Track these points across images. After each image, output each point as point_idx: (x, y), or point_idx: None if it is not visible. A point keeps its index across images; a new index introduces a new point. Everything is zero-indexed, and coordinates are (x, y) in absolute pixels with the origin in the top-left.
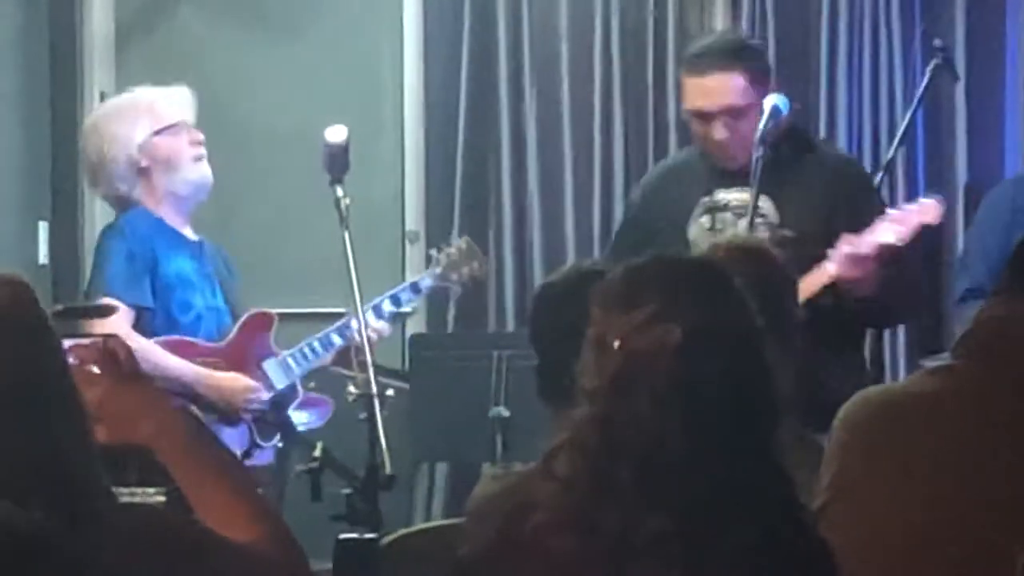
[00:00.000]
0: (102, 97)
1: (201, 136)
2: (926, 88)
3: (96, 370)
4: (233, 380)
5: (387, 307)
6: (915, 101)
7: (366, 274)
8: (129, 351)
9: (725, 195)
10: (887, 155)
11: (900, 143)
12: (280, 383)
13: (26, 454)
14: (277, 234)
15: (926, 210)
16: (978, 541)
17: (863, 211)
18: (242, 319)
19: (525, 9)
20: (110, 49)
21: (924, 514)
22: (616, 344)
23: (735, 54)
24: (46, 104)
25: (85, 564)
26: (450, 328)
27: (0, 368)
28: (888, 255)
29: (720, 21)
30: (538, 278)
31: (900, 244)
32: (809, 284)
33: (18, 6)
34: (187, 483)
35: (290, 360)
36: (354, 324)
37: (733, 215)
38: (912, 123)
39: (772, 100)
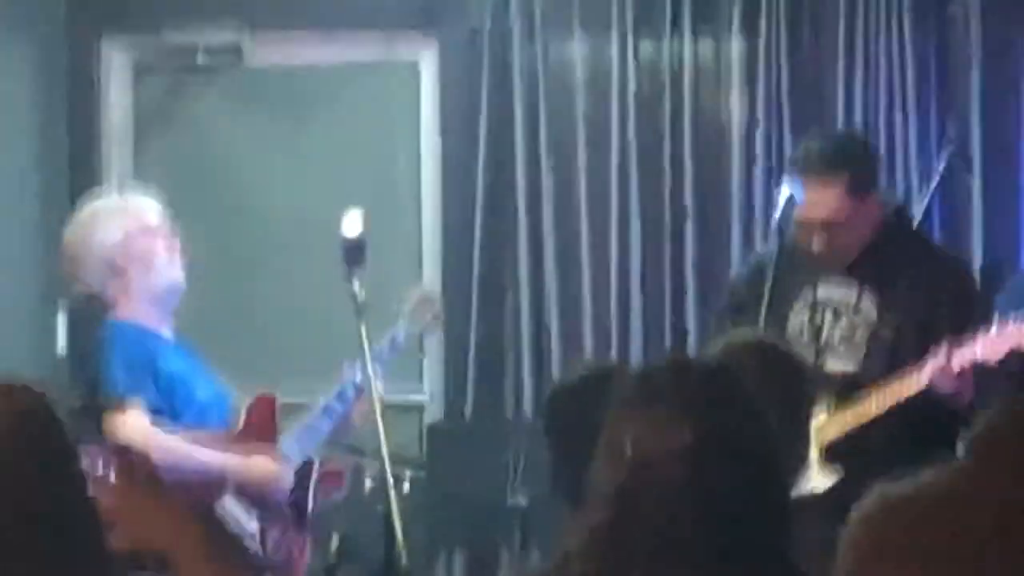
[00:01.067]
0: (120, 186)
1: (177, 242)
2: (941, 178)
3: (112, 478)
4: (261, 462)
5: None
6: (930, 191)
7: (385, 362)
8: (145, 457)
9: (826, 290)
10: None
11: (922, 222)
12: (297, 458)
13: (41, 568)
14: (292, 326)
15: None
16: None
17: (963, 320)
18: (248, 403)
19: (542, 92)
20: (128, 136)
21: None
22: (628, 448)
23: (837, 161)
24: (64, 191)
25: None
26: (467, 417)
27: (19, 490)
28: (980, 371)
29: (736, 104)
30: (556, 364)
31: (991, 363)
32: (900, 390)
33: (37, 92)
34: None
35: (301, 435)
36: (349, 392)
37: (833, 312)
38: (927, 214)
39: (787, 190)
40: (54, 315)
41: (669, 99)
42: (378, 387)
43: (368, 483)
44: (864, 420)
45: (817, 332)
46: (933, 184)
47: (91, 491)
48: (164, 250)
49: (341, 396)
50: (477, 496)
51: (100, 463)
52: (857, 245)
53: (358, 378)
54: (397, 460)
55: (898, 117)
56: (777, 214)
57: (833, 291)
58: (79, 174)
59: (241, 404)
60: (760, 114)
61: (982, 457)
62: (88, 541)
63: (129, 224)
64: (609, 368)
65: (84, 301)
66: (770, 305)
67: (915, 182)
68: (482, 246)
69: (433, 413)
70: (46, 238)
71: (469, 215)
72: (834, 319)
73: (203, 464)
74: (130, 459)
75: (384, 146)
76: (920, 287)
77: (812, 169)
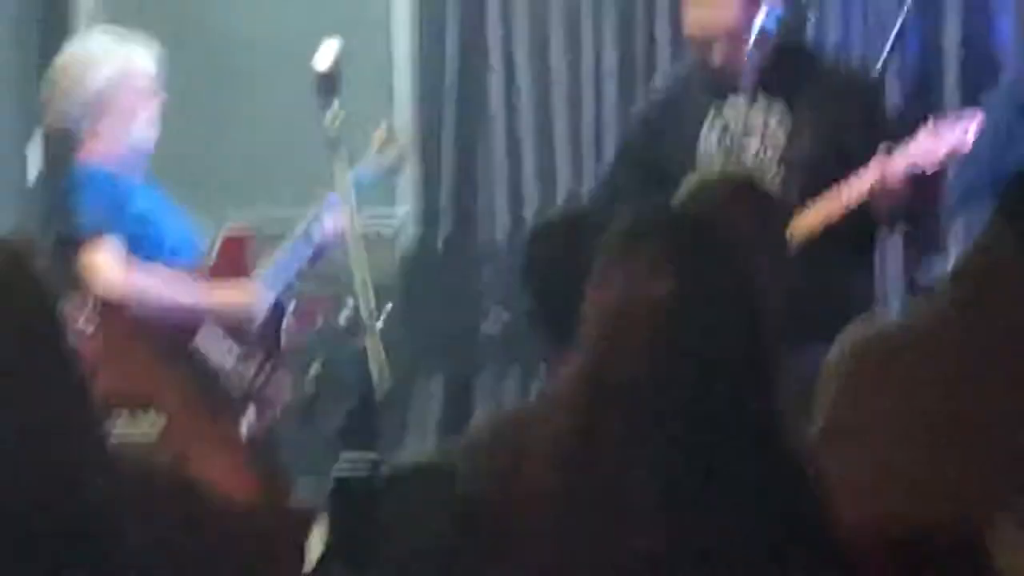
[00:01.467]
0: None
1: (159, 101)
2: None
3: (90, 329)
4: (237, 292)
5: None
6: (903, 13)
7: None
8: (121, 304)
9: (732, 111)
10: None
11: (890, 53)
12: (275, 290)
13: (27, 428)
14: (263, 145)
15: (964, 131)
16: (971, 478)
17: (876, 128)
18: (219, 239)
19: None
20: None
21: (922, 450)
22: (610, 297)
23: None
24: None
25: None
26: (441, 246)
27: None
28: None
29: None
30: (531, 187)
31: (935, 167)
32: (835, 205)
33: None
34: (188, 438)
35: (276, 267)
36: (316, 220)
37: (742, 131)
38: (902, 30)
39: (763, 11)
40: (25, 144)
41: None
42: (349, 217)
43: (344, 315)
44: (804, 235)
45: (728, 153)
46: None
47: (71, 342)
48: (146, 107)
49: (311, 231)
50: (452, 323)
51: (78, 314)
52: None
53: (329, 210)
54: (372, 289)
55: None
56: (753, 33)
57: (740, 110)
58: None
59: (213, 242)
60: None
61: (966, 289)
62: (72, 391)
63: (121, 71)
64: (587, 210)
65: (57, 134)
66: (676, 133)
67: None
68: (457, 62)
69: (407, 241)
70: (17, 59)
71: (442, 42)
72: (744, 138)
73: (178, 298)
74: (107, 307)
75: None
76: (828, 102)
77: None
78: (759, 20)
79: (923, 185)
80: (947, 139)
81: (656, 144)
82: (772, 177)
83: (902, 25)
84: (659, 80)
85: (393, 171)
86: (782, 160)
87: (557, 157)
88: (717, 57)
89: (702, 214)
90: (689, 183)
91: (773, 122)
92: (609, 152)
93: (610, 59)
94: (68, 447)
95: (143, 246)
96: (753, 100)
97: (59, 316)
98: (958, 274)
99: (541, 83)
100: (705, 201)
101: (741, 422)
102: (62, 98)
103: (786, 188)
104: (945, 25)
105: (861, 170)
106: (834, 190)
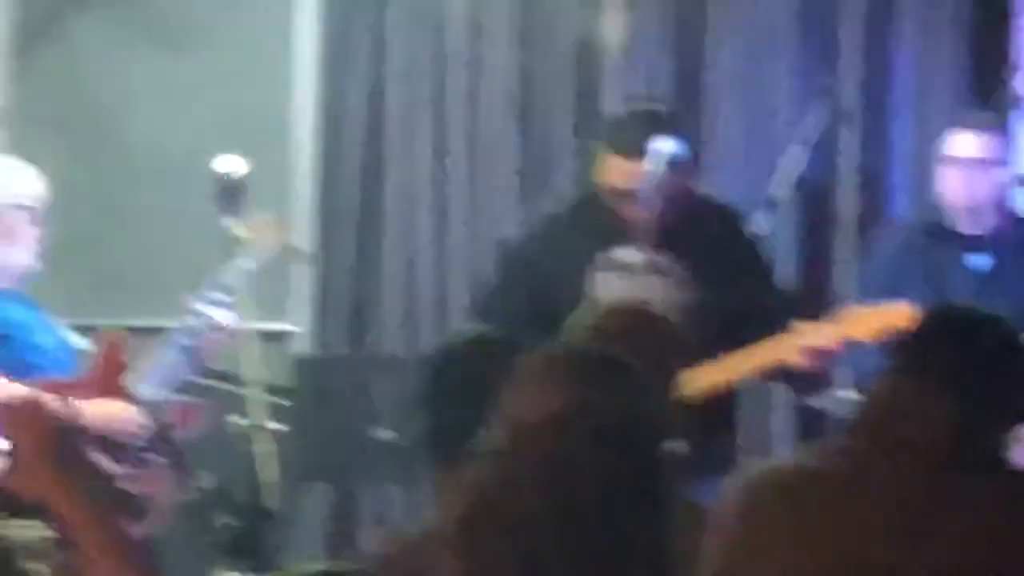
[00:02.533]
0: None
1: (43, 233)
2: (812, 129)
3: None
4: (110, 406)
5: (217, 296)
6: (802, 143)
7: (251, 291)
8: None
9: (625, 253)
10: (775, 192)
11: (795, 186)
12: (149, 397)
13: None
14: (161, 249)
15: (898, 316)
16: None
17: (750, 262)
18: (96, 345)
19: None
20: (6, 60)
21: None
22: (506, 417)
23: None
24: None
25: None
26: (335, 350)
27: None
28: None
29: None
30: (425, 304)
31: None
32: (749, 363)
33: None
34: (85, 554)
35: (152, 373)
36: (192, 322)
37: (632, 273)
38: (809, 160)
39: (664, 148)
40: None
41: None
42: (227, 317)
43: (236, 421)
44: (718, 388)
45: (619, 294)
46: (805, 135)
47: None
48: (29, 234)
49: (186, 330)
50: (342, 429)
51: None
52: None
53: (201, 309)
54: (265, 389)
55: (768, 65)
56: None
57: (630, 255)
58: None
59: (92, 347)
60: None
61: (864, 438)
62: None
63: (15, 193)
64: (491, 338)
65: None
66: (566, 266)
67: (781, 133)
68: (358, 177)
69: (301, 344)
70: None
71: (344, 148)
72: (633, 280)
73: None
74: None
75: (257, 76)
76: (717, 247)
77: (636, 151)
78: (653, 167)
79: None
80: (885, 317)
81: (540, 273)
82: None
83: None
84: (550, 206)
85: (278, 260)
86: (673, 304)
87: (450, 276)
88: (633, 210)
89: (602, 346)
90: (588, 311)
91: (662, 267)
92: None
93: (511, 173)
94: None
95: (13, 354)
96: (645, 249)
97: None
98: (856, 422)
99: (439, 200)
100: (605, 328)
101: (630, 552)
102: None
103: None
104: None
105: (770, 335)
106: (739, 354)
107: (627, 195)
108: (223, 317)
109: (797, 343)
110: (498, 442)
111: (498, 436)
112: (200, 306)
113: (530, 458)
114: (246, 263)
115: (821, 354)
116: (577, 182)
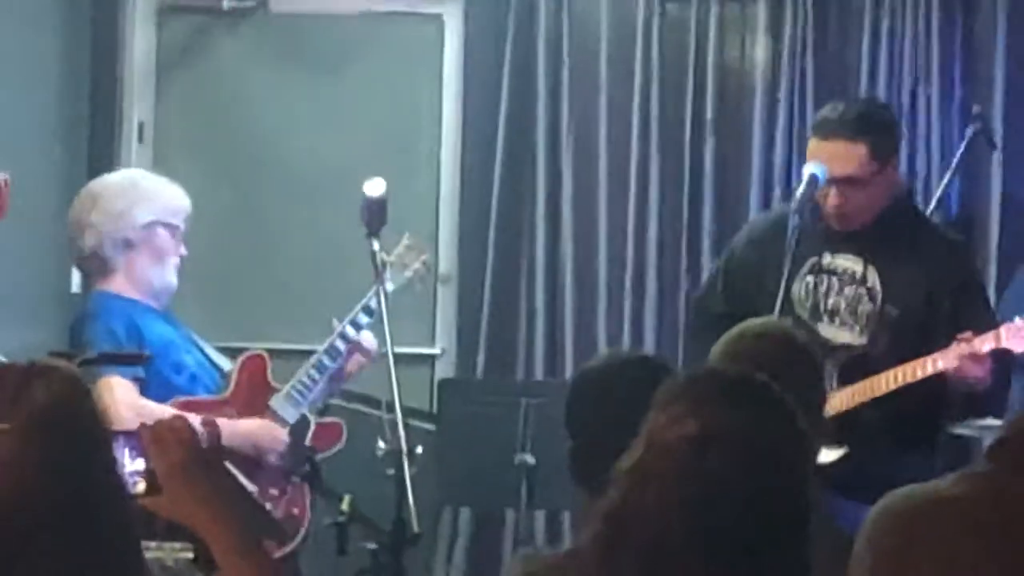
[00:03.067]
0: (140, 128)
1: (185, 251)
2: (962, 156)
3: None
4: (252, 424)
5: (363, 318)
6: (951, 168)
7: (398, 315)
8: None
9: (833, 259)
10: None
11: (935, 209)
12: (291, 417)
13: (70, 558)
14: (307, 271)
15: None
16: None
17: (966, 300)
18: (238, 364)
19: (565, 55)
20: (151, 80)
21: None
22: (645, 436)
23: (861, 125)
24: (84, 132)
25: None
26: (479, 374)
27: (50, 467)
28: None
29: (760, 70)
30: (569, 327)
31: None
32: (911, 370)
33: (60, 35)
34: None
35: (294, 393)
36: (340, 344)
37: (839, 280)
38: (947, 191)
39: (810, 168)
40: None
41: (693, 62)
42: (371, 339)
43: (381, 446)
44: (873, 396)
45: (821, 299)
46: (955, 161)
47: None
48: (175, 251)
49: (331, 351)
50: (485, 452)
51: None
52: (869, 214)
53: (348, 332)
54: (407, 412)
55: (921, 94)
56: (798, 192)
57: (839, 261)
58: (100, 116)
59: (235, 367)
60: (783, 86)
61: (1000, 465)
62: (118, 527)
63: (163, 211)
64: (636, 356)
65: (89, 260)
66: (776, 268)
67: (936, 159)
68: (500, 202)
69: (445, 367)
70: (66, 178)
71: (488, 169)
72: (839, 287)
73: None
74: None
75: (406, 100)
76: (924, 268)
77: (839, 131)
78: (801, 186)
79: (999, 372)
80: None
81: (749, 270)
82: (871, 333)
83: (950, 177)
84: (771, 210)
85: (419, 280)
86: (878, 314)
87: (599, 298)
88: (829, 198)
89: (744, 373)
90: (730, 335)
91: (872, 277)
92: (647, 300)
93: (654, 202)
94: (109, 568)
95: (160, 372)
96: (857, 253)
97: (109, 446)
98: (997, 445)
99: (584, 224)
100: (741, 345)
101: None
102: (97, 226)
103: (878, 342)
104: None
105: (945, 340)
106: (916, 360)
107: (831, 184)
108: (367, 339)
109: (962, 351)
110: (636, 462)
111: (637, 456)
112: (345, 328)
113: (668, 478)
114: (391, 285)
115: (982, 360)
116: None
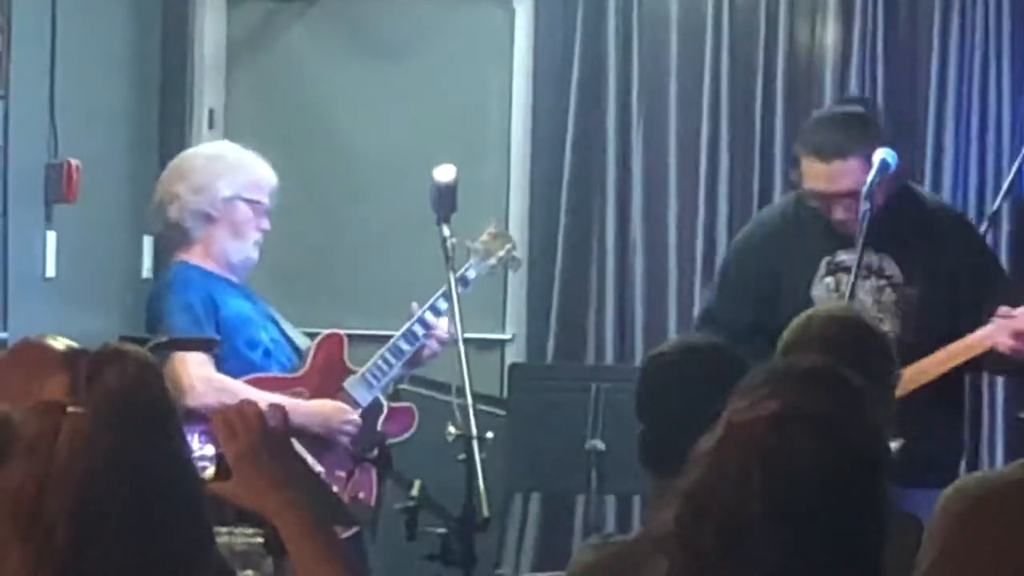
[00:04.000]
0: (211, 115)
1: (268, 225)
2: None
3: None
4: (324, 405)
5: (442, 304)
6: (1022, 154)
7: (468, 300)
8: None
9: (847, 256)
10: (992, 206)
11: (1006, 195)
12: (364, 400)
13: (141, 542)
14: (377, 256)
15: None
16: None
17: (986, 271)
18: (315, 344)
19: (635, 40)
20: (220, 67)
21: None
22: (725, 418)
23: (853, 140)
24: (155, 119)
25: None
26: (549, 359)
27: (122, 451)
28: None
29: (830, 53)
30: (639, 312)
31: None
32: (959, 351)
33: (131, 22)
34: (298, 562)
35: (368, 376)
36: (418, 329)
37: (855, 283)
38: (1019, 174)
39: (880, 154)
40: (140, 239)
41: (763, 48)
42: (454, 328)
43: (451, 431)
44: (924, 382)
45: (845, 297)
46: (1020, 160)
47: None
48: (258, 227)
49: (409, 336)
50: (555, 437)
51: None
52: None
53: (427, 318)
54: (477, 398)
55: (992, 75)
56: (868, 179)
57: (853, 256)
58: (170, 103)
59: (310, 348)
60: (853, 70)
61: None
62: (188, 511)
63: (246, 186)
64: (705, 342)
65: (170, 231)
66: (791, 271)
67: (1007, 141)
68: (570, 188)
69: (515, 352)
70: (136, 165)
71: (558, 156)
72: (859, 282)
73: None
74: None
75: (476, 87)
76: (936, 246)
77: (831, 153)
78: (872, 173)
79: None
80: None
81: (761, 278)
82: (901, 318)
83: (1016, 172)
84: (765, 212)
85: (502, 266)
86: (902, 300)
87: (669, 283)
88: (836, 212)
89: (820, 356)
90: (804, 320)
91: (889, 265)
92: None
93: (724, 186)
94: (180, 552)
95: (236, 347)
96: (864, 253)
97: (181, 431)
98: None
99: (654, 209)
100: (814, 338)
101: (847, 556)
102: (183, 194)
103: (910, 326)
104: None
105: (980, 319)
106: (956, 342)
107: (825, 197)
108: (442, 326)
109: (1009, 326)
110: (717, 443)
111: (717, 437)
112: (424, 313)
113: (748, 456)
114: (471, 272)
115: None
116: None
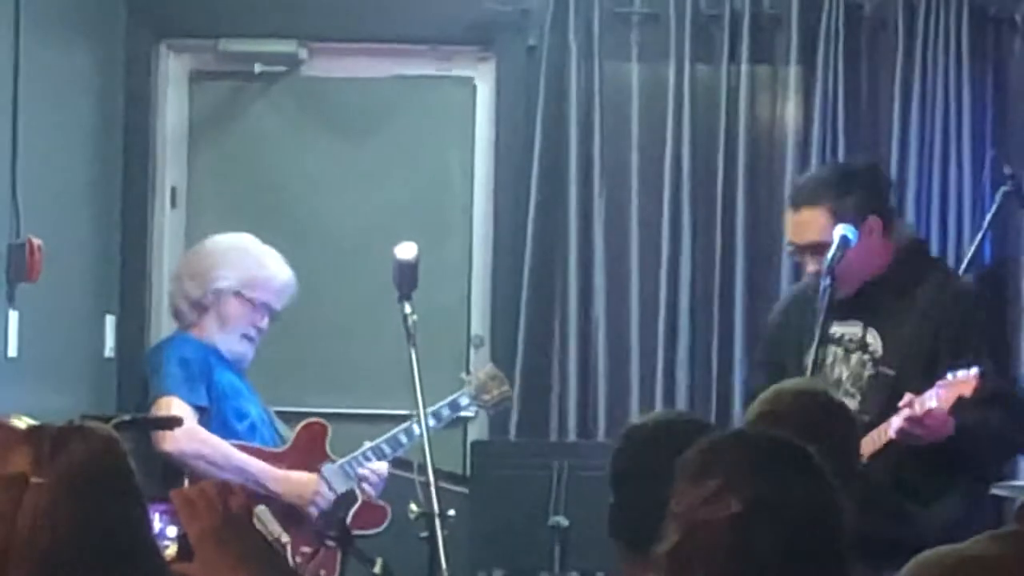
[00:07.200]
0: (173, 193)
1: (265, 325)
2: (995, 215)
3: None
4: (300, 475)
5: (431, 421)
6: (983, 227)
7: (430, 377)
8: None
9: (838, 328)
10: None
11: (967, 269)
12: (339, 487)
13: None
14: (340, 334)
15: (966, 381)
16: None
17: (964, 351)
18: (300, 427)
19: (597, 117)
20: (183, 145)
21: None
22: (682, 516)
23: (819, 190)
24: (117, 198)
25: None
26: (512, 436)
27: (85, 521)
28: (935, 417)
29: (791, 133)
30: (602, 388)
31: (942, 408)
32: (874, 440)
33: (94, 99)
34: None
35: (347, 466)
36: (403, 439)
37: (843, 349)
38: (980, 250)
39: (840, 230)
40: (102, 317)
41: (724, 124)
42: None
43: (414, 508)
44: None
45: (828, 370)
46: (986, 220)
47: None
48: (251, 324)
49: (393, 441)
50: (518, 514)
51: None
52: (858, 276)
53: (414, 431)
54: (440, 475)
55: (952, 153)
56: (828, 256)
57: (843, 328)
58: (132, 181)
59: (292, 429)
60: (814, 147)
61: None
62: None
63: (244, 282)
64: (685, 418)
65: (173, 310)
66: (792, 344)
67: (968, 218)
68: (532, 265)
69: (478, 429)
70: (98, 243)
71: (521, 232)
72: (845, 355)
73: (241, 466)
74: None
75: (438, 164)
76: (928, 321)
77: (799, 198)
78: (832, 249)
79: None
80: (958, 386)
81: (776, 348)
82: (863, 396)
83: (978, 247)
84: (799, 283)
85: (494, 409)
86: (874, 377)
87: (631, 359)
88: (809, 266)
89: (778, 436)
90: (765, 395)
91: (872, 340)
92: (679, 363)
93: (686, 261)
94: None
95: (224, 414)
96: (857, 318)
97: (144, 504)
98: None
99: (616, 285)
100: (778, 413)
101: None
102: (182, 282)
103: (869, 405)
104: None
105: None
106: (880, 427)
107: (797, 250)
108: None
109: (904, 412)
110: (678, 544)
111: (676, 539)
112: (412, 425)
113: (715, 559)
114: (463, 399)
115: (914, 423)
116: None
